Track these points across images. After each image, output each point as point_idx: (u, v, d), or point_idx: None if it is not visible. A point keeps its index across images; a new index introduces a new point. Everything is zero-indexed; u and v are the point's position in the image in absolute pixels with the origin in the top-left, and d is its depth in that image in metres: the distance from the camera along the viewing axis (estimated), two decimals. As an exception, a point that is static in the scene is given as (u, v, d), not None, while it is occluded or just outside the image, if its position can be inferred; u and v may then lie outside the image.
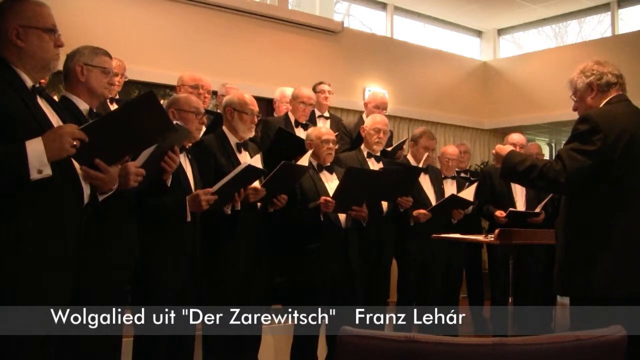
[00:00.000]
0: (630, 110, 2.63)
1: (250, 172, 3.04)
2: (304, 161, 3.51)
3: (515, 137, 4.96)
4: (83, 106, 2.45)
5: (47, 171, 1.86)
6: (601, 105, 2.64)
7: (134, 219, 2.60)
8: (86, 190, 2.08)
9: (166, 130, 2.36)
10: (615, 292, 2.45)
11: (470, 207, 4.79)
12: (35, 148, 1.84)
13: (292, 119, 4.46)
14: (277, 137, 4.01)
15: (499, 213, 4.60)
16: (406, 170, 4.23)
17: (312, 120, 4.61)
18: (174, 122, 2.61)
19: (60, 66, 2.48)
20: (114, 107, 3.63)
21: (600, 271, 2.46)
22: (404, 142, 4.93)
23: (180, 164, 2.85)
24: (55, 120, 2.07)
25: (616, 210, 2.49)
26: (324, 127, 4.27)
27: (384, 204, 4.17)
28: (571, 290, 2.62)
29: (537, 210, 4.51)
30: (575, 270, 2.55)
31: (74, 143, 1.90)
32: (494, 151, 2.89)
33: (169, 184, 2.79)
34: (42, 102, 2.08)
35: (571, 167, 2.48)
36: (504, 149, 2.82)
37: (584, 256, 2.51)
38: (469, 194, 4.50)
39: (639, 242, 2.47)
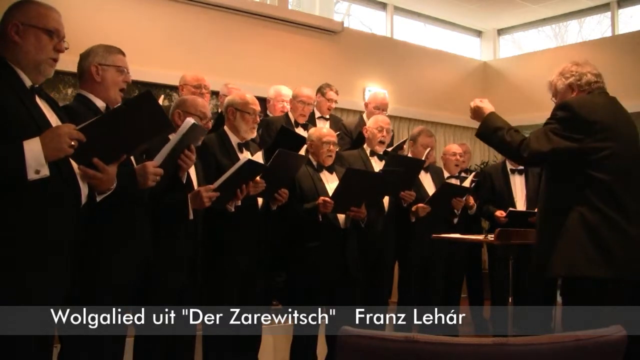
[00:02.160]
0: (608, 101, 2.68)
1: (251, 167, 3.03)
2: (301, 153, 3.52)
3: None
4: (100, 103, 2.48)
5: (45, 171, 1.86)
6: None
7: (147, 219, 2.59)
8: (84, 190, 2.08)
9: (164, 129, 2.36)
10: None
11: (474, 208, 4.79)
12: (32, 148, 1.84)
13: (292, 119, 4.45)
14: (280, 135, 4.00)
15: (499, 213, 4.60)
16: (408, 164, 4.21)
17: (312, 121, 4.61)
18: (192, 121, 2.63)
19: (72, 68, 2.50)
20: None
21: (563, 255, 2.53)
22: (404, 142, 4.93)
23: None
24: (54, 120, 2.07)
25: (583, 197, 2.53)
26: (325, 127, 4.27)
27: (385, 203, 4.17)
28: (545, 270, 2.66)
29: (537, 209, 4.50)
30: (548, 252, 2.60)
31: (72, 143, 1.90)
32: (472, 104, 2.89)
33: (184, 181, 2.80)
34: (40, 102, 2.08)
35: (547, 144, 2.55)
36: (485, 108, 2.82)
37: (557, 240, 2.56)
38: (466, 184, 4.52)
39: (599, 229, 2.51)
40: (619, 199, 2.52)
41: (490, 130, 2.74)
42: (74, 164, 2.04)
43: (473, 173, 5.00)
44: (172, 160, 2.64)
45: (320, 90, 4.77)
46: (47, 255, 1.95)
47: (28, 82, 2.06)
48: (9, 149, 1.84)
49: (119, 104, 2.47)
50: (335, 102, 4.82)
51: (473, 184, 4.77)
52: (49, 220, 1.96)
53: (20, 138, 1.86)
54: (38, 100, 2.07)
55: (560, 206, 2.59)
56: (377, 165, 4.15)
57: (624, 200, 2.53)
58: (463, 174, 5.02)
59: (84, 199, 2.09)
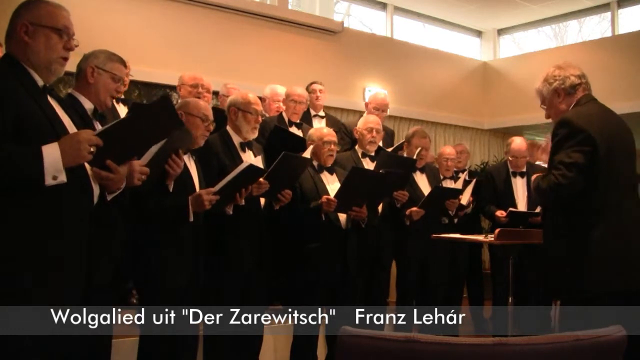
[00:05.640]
0: (599, 108, 2.70)
1: (252, 172, 3.04)
2: (306, 155, 3.52)
3: (518, 141, 4.98)
4: (88, 105, 2.47)
5: (62, 178, 1.87)
6: (572, 107, 2.71)
7: (121, 218, 2.58)
8: (96, 190, 2.09)
9: (176, 130, 2.38)
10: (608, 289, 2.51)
11: (470, 207, 4.78)
12: (51, 154, 1.85)
13: (286, 118, 4.45)
14: (273, 135, 3.99)
15: (500, 213, 4.61)
16: (400, 163, 4.19)
17: (307, 120, 4.61)
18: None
19: (72, 68, 2.50)
20: (119, 106, 3.66)
21: (589, 272, 2.52)
22: (404, 143, 4.92)
23: (185, 165, 2.86)
24: (66, 120, 2.08)
25: (598, 210, 2.55)
26: (325, 127, 4.26)
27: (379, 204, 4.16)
28: (566, 292, 2.66)
29: (538, 210, 4.51)
30: (567, 273, 2.60)
31: (91, 149, 1.91)
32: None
33: (171, 189, 2.79)
34: (52, 102, 2.08)
35: (571, 169, 2.53)
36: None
37: (574, 259, 2.56)
38: (457, 185, 4.51)
39: (620, 242, 2.53)
40: (617, 210, 2.55)
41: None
42: (87, 165, 2.04)
43: (465, 172, 5.00)
44: (159, 163, 2.63)
45: (307, 89, 4.79)
46: (62, 255, 1.95)
47: (40, 82, 2.06)
48: (28, 154, 1.84)
49: (136, 111, 2.48)
50: (321, 92, 4.83)
51: (470, 184, 4.77)
52: (63, 220, 1.96)
53: (37, 138, 1.86)
54: (50, 99, 2.07)
55: (568, 225, 2.61)
56: (369, 166, 4.12)
57: (623, 211, 2.55)
58: (461, 175, 5.02)
59: (95, 199, 2.10)
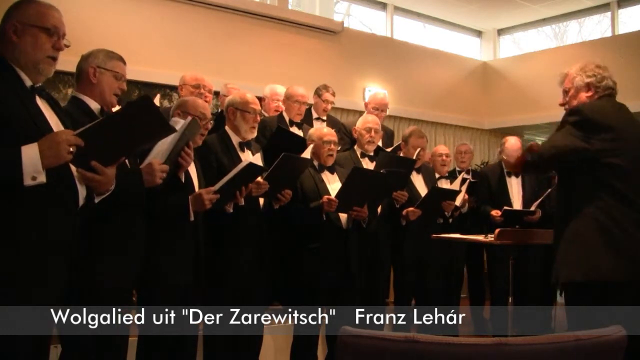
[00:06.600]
0: (616, 106, 2.71)
1: (252, 170, 3.04)
2: (305, 155, 3.51)
3: (512, 141, 5.00)
4: (94, 105, 2.47)
5: (42, 178, 1.86)
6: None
7: (142, 220, 2.59)
8: (81, 192, 2.07)
9: (164, 132, 2.37)
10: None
11: (466, 206, 4.78)
12: (30, 155, 1.83)
13: (287, 118, 4.44)
14: (276, 135, 3.99)
15: (495, 212, 4.61)
16: (399, 164, 4.19)
17: (309, 122, 4.59)
18: (190, 117, 2.65)
19: (71, 68, 2.50)
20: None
21: (578, 259, 2.53)
22: (401, 144, 4.91)
23: None
24: (54, 121, 2.06)
25: (594, 201, 2.55)
26: (325, 127, 4.26)
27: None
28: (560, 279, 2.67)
29: (532, 208, 4.51)
30: (566, 263, 2.61)
31: (71, 149, 1.89)
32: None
33: (183, 180, 2.81)
34: (41, 103, 2.07)
35: (561, 141, 2.58)
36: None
37: (571, 245, 2.57)
38: (455, 185, 4.51)
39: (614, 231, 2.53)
40: (630, 201, 2.54)
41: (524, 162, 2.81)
42: (72, 166, 2.03)
43: (463, 172, 5.00)
44: (174, 157, 2.66)
45: (317, 92, 4.74)
46: (45, 255, 1.95)
47: (28, 82, 2.05)
48: (7, 154, 1.83)
49: (118, 108, 2.48)
50: (332, 103, 4.79)
51: (466, 183, 4.76)
52: (47, 221, 1.96)
53: (19, 139, 1.85)
54: (38, 100, 2.06)
55: (573, 211, 2.60)
56: (368, 166, 4.11)
57: (635, 202, 2.55)
58: (465, 175, 5.02)
59: (81, 201, 2.08)
